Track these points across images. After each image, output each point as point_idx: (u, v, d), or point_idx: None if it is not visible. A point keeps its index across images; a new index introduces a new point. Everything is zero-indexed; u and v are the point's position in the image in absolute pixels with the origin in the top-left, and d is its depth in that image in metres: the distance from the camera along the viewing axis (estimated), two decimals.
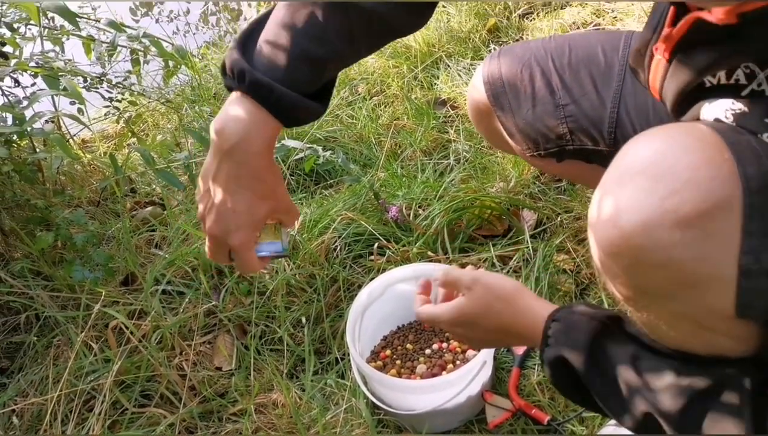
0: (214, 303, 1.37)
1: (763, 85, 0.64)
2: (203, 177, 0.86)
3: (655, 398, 0.65)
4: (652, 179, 0.58)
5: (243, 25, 2.32)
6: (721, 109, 0.67)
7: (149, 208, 1.69)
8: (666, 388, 0.65)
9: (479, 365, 1.08)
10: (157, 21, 3.06)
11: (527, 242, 1.39)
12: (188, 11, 3.12)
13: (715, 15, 0.63)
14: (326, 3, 0.82)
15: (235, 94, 0.82)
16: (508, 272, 1.37)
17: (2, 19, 1.55)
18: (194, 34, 2.94)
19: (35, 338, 1.33)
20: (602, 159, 1.10)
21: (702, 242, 0.56)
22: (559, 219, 1.46)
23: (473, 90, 1.19)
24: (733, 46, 0.66)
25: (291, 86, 0.80)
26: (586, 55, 1.09)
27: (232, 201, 0.83)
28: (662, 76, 0.78)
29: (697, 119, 0.71)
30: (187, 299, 1.37)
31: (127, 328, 1.24)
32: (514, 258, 1.38)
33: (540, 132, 1.12)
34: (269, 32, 0.83)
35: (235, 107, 0.82)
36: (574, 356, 0.74)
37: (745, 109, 0.65)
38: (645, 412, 0.66)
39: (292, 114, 0.83)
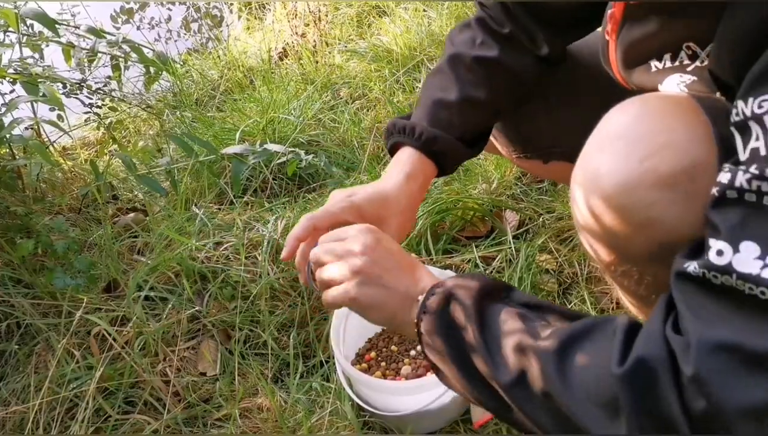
0: (197, 308, 1.36)
1: (705, 61, 0.67)
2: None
3: (537, 343, 0.61)
4: (631, 142, 0.60)
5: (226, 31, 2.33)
6: (673, 85, 0.69)
7: (131, 215, 1.68)
8: (550, 333, 0.62)
9: None
10: (138, 28, 3.05)
11: (510, 242, 1.40)
12: (170, 18, 3.12)
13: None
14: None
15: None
16: (491, 272, 1.37)
17: None
18: (176, 41, 2.94)
19: (17, 347, 1.32)
20: None
21: (681, 201, 0.57)
22: (541, 219, 1.47)
23: None
24: (669, 26, 0.69)
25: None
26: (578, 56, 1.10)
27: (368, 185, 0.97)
28: (615, 57, 0.80)
29: None
30: (170, 305, 1.36)
31: (109, 335, 1.23)
32: (497, 259, 1.39)
33: (527, 135, 1.12)
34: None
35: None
36: (459, 308, 0.68)
37: (694, 78, 0.68)
38: (523, 359, 0.61)
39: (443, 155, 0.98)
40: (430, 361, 0.72)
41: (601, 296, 1.30)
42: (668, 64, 0.70)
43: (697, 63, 0.67)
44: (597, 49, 1.08)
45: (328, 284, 0.80)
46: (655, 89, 0.74)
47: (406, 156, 0.96)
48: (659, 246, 0.59)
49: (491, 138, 1.18)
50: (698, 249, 0.53)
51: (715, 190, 0.52)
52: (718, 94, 0.63)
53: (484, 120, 1.04)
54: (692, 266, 0.52)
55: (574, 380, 0.56)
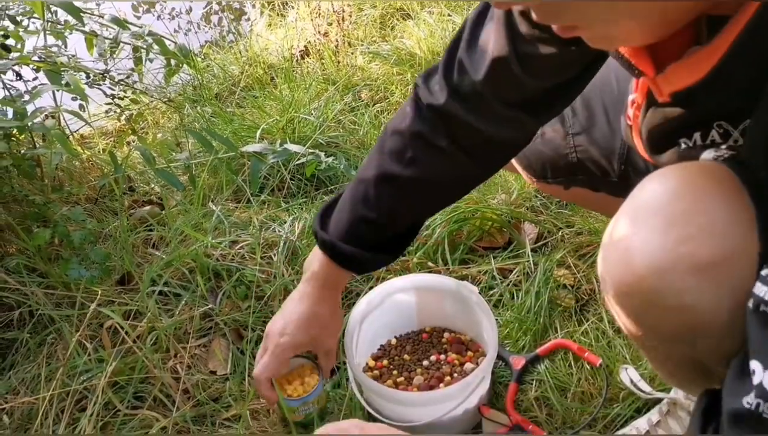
0: (210, 306, 1.36)
1: (740, 141, 0.64)
2: None
3: None
4: (667, 222, 0.57)
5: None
6: (710, 158, 0.67)
7: (147, 208, 1.68)
8: None
9: (477, 379, 1.08)
10: (159, 18, 3.06)
11: (528, 255, 1.38)
12: (190, 9, 3.12)
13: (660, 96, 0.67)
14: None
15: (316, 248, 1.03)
16: (508, 285, 1.36)
17: (6, 11, 1.54)
18: (196, 32, 2.94)
19: (28, 336, 1.31)
20: (611, 188, 1.09)
21: (716, 289, 0.55)
22: (560, 234, 1.45)
23: None
24: (698, 108, 0.66)
25: (350, 242, 0.97)
26: (599, 83, 1.06)
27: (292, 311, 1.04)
28: (640, 141, 0.78)
29: None
30: (183, 301, 1.35)
31: (122, 328, 1.23)
32: (515, 271, 1.38)
33: (549, 160, 1.11)
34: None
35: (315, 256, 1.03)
36: None
37: (733, 152, 0.64)
38: None
39: (352, 264, 1.00)
40: None
41: None
42: (698, 142, 0.68)
43: (730, 142, 0.64)
44: (610, 79, 1.06)
45: None
46: None
47: (322, 268, 1.02)
48: (689, 329, 0.58)
49: (512, 160, 1.16)
50: (742, 371, 0.51)
51: (750, 303, 0.50)
52: None
53: (410, 231, 1.05)
54: (746, 400, 0.50)
55: None
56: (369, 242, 0.98)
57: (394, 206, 0.97)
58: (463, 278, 1.36)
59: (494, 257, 1.42)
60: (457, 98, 0.88)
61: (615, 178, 1.05)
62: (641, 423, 1.04)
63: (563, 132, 1.08)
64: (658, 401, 1.08)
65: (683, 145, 0.70)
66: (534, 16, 0.63)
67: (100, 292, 1.28)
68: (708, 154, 0.67)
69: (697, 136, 0.68)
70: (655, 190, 0.61)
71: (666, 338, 0.61)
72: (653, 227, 0.58)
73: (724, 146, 0.65)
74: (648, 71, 0.67)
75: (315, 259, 1.03)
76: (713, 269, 0.55)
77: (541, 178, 1.14)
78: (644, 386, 1.12)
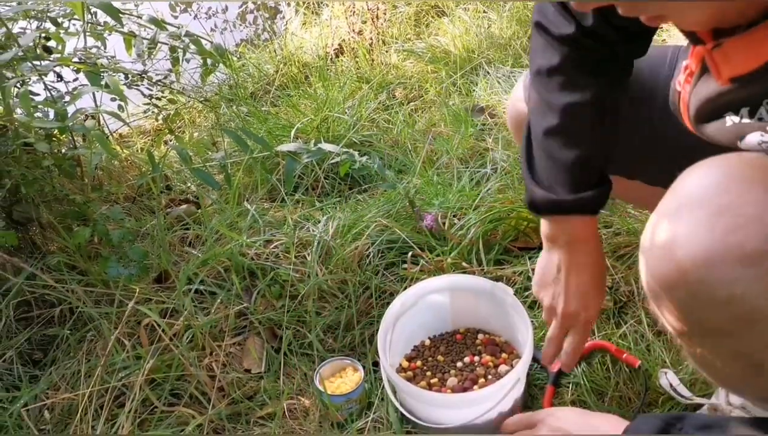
0: (245, 305, 1.37)
1: None
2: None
3: None
4: (713, 213, 0.57)
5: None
6: (754, 142, 0.66)
7: (183, 207, 1.70)
8: None
9: (512, 382, 1.06)
10: (195, 17, 3.09)
11: None
12: (226, 8, 3.15)
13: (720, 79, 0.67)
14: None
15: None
16: None
17: (47, 14, 1.57)
18: (231, 31, 2.96)
19: (69, 332, 1.34)
20: (647, 175, 1.07)
21: (765, 278, 0.54)
22: None
23: (515, 100, 1.17)
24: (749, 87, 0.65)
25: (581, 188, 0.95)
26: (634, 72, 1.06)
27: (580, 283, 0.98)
28: (686, 109, 0.77)
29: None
30: (218, 300, 1.36)
31: (159, 326, 1.24)
32: None
33: None
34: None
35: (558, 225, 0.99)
36: None
37: None
38: None
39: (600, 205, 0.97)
40: None
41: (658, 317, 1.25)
42: (746, 119, 0.67)
43: None
44: (655, 67, 1.04)
45: None
46: (732, 144, 0.70)
47: (581, 229, 0.98)
48: (738, 322, 0.56)
49: None
50: None
51: None
52: None
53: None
54: None
55: None
56: (593, 178, 0.97)
57: (590, 134, 0.96)
58: (497, 278, 1.35)
59: (529, 258, 1.40)
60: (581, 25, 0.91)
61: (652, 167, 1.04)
62: None
63: None
64: (698, 406, 1.06)
65: (729, 122, 0.69)
66: (620, 10, 0.65)
67: (137, 290, 1.30)
68: (753, 138, 0.66)
69: (744, 111, 0.67)
70: (698, 183, 0.60)
71: (713, 333, 0.60)
72: (698, 219, 0.58)
73: None
74: (707, 40, 0.68)
75: (561, 227, 0.98)
76: (763, 257, 0.54)
77: None
78: (684, 390, 1.09)
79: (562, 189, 0.95)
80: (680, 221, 0.59)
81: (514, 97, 1.18)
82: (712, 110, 0.73)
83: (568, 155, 0.94)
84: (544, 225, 1.00)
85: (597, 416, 0.97)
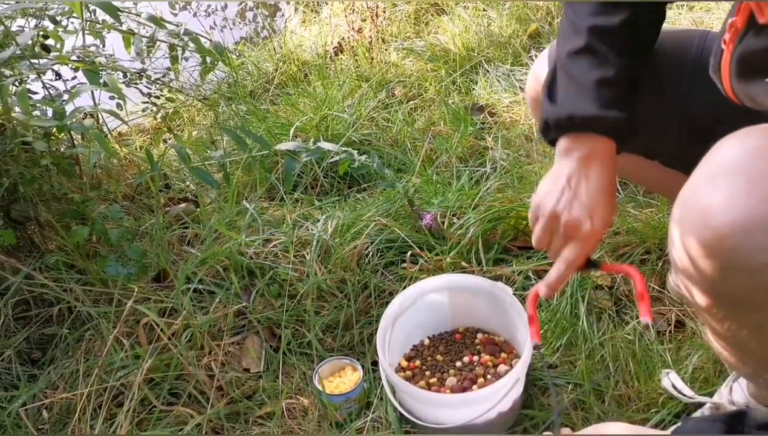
0: (244, 304, 1.36)
1: None
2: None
3: None
4: (751, 180, 0.56)
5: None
6: None
7: (182, 205, 1.70)
8: None
9: (512, 382, 1.06)
10: (194, 15, 3.08)
11: None
12: (226, 6, 3.14)
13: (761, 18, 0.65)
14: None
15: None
16: None
17: (46, 12, 1.56)
18: (231, 29, 2.95)
19: (67, 332, 1.34)
20: (665, 155, 1.08)
21: None
22: None
23: (534, 78, 1.14)
24: None
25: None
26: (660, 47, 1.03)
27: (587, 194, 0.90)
28: (728, 67, 0.76)
29: None
30: (217, 299, 1.36)
31: (157, 325, 1.24)
32: None
33: None
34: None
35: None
36: None
37: None
38: None
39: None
40: None
41: (657, 317, 1.25)
42: None
43: None
44: (682, 47, 1.02)
45: None
46: None
47: (601, 148, 0.92)
48: (764, 291, 0.56)
49: None
50: None
51: None
52: None
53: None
54: None
55: None
56: (618, 101, 0.92)
57: (618, 57, 0.92)
58: (497, 278, 1.35)
59: (528, 258, 1.40)
60: None
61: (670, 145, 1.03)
62: None
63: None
64: (700, 405, 1.06)
65: None
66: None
67: (136, 289, 1.29)
68: None
69: None
70: (733, 151, 0.59)
71: (740, 305, 0.59)
72: (734, 185, 0.57)
73: None
74: None
75: (579, 142, 0.91)
76: None
77: None
78: (686, 390, 1.09)
79: (584, 106, 0.90)
80: (717, 189, 0.58)
81: (534, 70, 1.15)
82: (756, 68, 0.72)
83: (593, 75, 0.90)
84: (561, 143, 0.93)
85: (643, 430, 0.93)
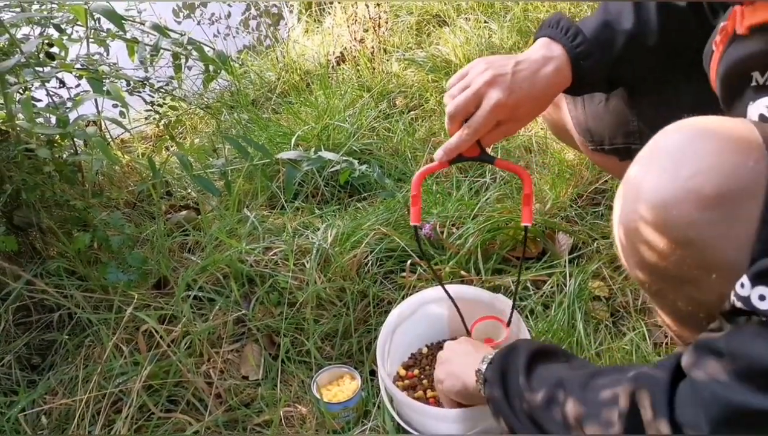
0: (243, 312, 1.37)
1: None
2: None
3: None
4: (678, 160, 0.60)
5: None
6: (762, 106, 0.68)
7: (184, 213, 1.71)
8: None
9: None
10: (198, 23, 3.10)
11: (565, 265, 1.37)
12: (229, 14, 3.16)
13: (739, 28, 0.68)
14: None
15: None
16: (541, 296, 1.35)
17: (50, 20, 1.58)
18: (234, 37, 2.97)
19: (67, 337, 1.34)
20: None
21: (721, 224, 0.57)
22: (595, 245, 1.43)
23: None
24: None
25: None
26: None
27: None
28: (716, 66, 0.78)
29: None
30: (217, 307, 1.37)
31: (157, 332, 1.25)
32: (548, 282, 1.36)
33: (609, 126, 1.10)
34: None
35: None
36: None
37: None
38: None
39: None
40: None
41: (654, 329, 1.26)
42: (760, 81, 0.68)
43: None
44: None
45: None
46: (743, 108, 0.71)
47: (558, 56, 0.94)
48: (695, 267, 0.59)
49: (571, 128, 1.16)
50: None
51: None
52: None
53: (643, 63, 1.00)
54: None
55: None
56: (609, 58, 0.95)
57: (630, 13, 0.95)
58: (495, 288, 1.35)
59: (527, 268, 1.41)
60: None
61: None
62: None
63: (628, 98, 1.07)
64: None
65: (754, 82, 0.70)
66: None
67: (136, 296, 1.30)
68: (755, 108, 0.67)
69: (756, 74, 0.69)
70: (671, 137, 0.63)
71: (673, 278, 0.62)
72: (663, 165, 0.61)
73: None
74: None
75: (545, 46, 0.94)
76: (720, 203, 0.56)
77: (597, 146, 1.12)
78: None
79: (581, 25, 0.94)
80: (648, 169, 0.62)
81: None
82: (738, 75, 0.73)
83: (595, 17, 0.94)
84: (539, 41, 0.96)
85: (481, 346, 1.04)
